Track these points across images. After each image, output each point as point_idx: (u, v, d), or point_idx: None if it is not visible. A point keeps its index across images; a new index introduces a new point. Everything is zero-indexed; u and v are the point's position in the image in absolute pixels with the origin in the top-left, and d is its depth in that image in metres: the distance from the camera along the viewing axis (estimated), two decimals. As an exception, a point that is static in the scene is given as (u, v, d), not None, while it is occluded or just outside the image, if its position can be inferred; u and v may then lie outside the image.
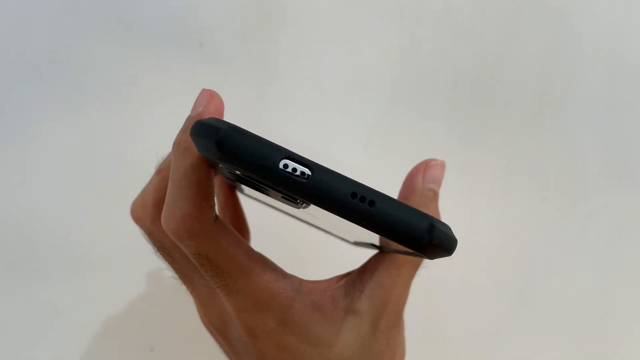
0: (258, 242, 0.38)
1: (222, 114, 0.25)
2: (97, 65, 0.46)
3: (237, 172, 0.22)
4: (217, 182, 0.37)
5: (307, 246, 0.47)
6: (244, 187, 0.30)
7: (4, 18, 0.45)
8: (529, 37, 0.52)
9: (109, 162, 0.47)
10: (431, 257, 0.22)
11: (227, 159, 0.20)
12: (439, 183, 0.30)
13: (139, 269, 0.47)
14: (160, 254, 0.30)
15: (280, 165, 0.20)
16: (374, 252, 0.30)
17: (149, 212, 0.28)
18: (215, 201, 0.24)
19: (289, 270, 0.28)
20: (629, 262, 0.55)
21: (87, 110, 0.46)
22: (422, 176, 0.30)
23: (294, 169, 0.20)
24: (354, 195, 0.21)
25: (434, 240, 0.21)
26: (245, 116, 0.48)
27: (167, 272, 0.48)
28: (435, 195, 0.30)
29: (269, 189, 0.23)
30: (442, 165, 0.31)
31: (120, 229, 0.47)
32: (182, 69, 0.47)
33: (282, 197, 0.23)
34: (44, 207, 0.46)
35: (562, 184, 0.53)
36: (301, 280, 0.27)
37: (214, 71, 0.47)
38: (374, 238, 0.26)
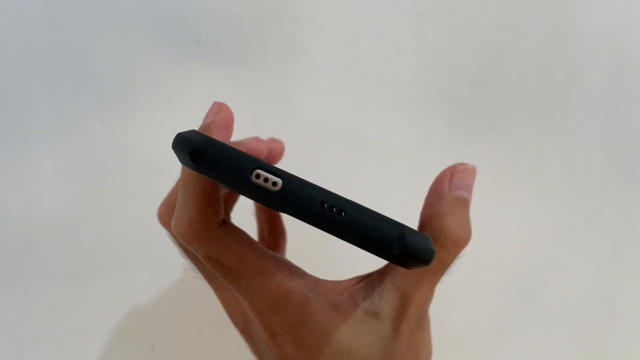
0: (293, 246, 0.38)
1: (230, 125, 0.25)
2: (94, 63, 0.46)
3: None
4: None
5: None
6: None
7: (2, 17, 0.45)
8: (530, 32, 0.52)
9: (107, 161, 0.47)
10: (408, 267, 0.22)
11: (201, 169, 0.21)
12: (468, 189, 0.29)
13: (139, 269, 0.48)
14: (186, 255, 0.30)
15: (252, 176, 0.21)
16: None
17: (172, 216, 0.28)
18: (222, 206, 0.25)
19: (315, 271, 0.28)
20: (632, 258, 0.55)
21: (84, 108, 0.46)
22: (449, 182, 0.29)
23: (266, 179, 0.21)
24: (323, 204, 0.21)
25: (406, 250, 0.21)
26: (242, 114, 0.48)
27: (167, 272, 0.48)
28: (465, 202, 0.28)
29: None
30: (472, 171, 0.29)
31: (121, 230, 0.47)
32: (180, 66, 0.47)
33: None
34: (44, 208, 0.46)
35: (565, 179, 0.53)
36: (318, 280, 0.27)
37: (212, 68, 0.47)
38: None
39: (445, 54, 0.51)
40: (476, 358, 0.53)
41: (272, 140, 0.35)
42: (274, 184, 0.21)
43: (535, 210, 0.52)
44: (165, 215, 0.30)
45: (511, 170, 0.52)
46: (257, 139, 0.32)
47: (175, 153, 0.22)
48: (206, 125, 0.25)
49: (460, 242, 0.27)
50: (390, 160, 0.50)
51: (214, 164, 0.21)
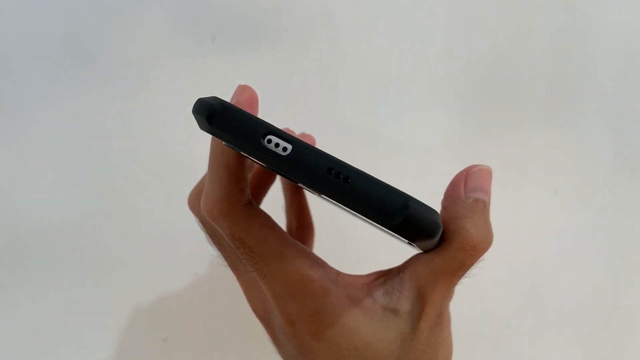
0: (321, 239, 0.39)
1: (253, 104, 0.26)
2: (110, 60, 0.46)
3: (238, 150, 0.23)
4: (283, 181, 0.38)
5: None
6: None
7: (21, 6, 0.45)
8: (541, 30, 0.52)
9: (123, 155, 0.47)
10: (412, 240, 0.22)
11: (215, 132, 0.22)
12: (486, 191, 0.28)
13: (153, 262, 0.48)
14: (212, 242, 0.30)
15: (264, 140, 0.21)
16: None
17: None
18: (248, 186, 0.25)
19: (337, 264, 0.28)
20: (641, 256, 0.55)
21: (100, 103, 0.46)
22: (464, 185, 0.28)
23: (277, 144, 0.22)
24: (330, 170, 0.21)
25: (408, 220, 0.21)
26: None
27: (180, 266, 0.49)
28: (484, 205, 0.27)
29: (284, 175, 0.24)
30: (488, 172, 0.28)
31: (135, 224, 0.48)
32: (195, 62, 0.47)
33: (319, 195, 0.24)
34: (60, 204, 0.47)
35: (575, 176, 0.53)
36: (338, 272, 0.27)
37: (226, 65, 0.48)
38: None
39: (457, 52, 0.51)
40: (484, 353, 0.53)
41: (303, 136, 0.35)
42: (284, 149, 0.21)
43: (544, 207, 0.52)
44: (196, 202, 0.30)
45: (521, 168, 0.52)
46: (286, 130, 0.32)
47: (195, 117, 0.23)
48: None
49: (480, 246, 0.26)
50: (401, 157, 0.50)
51: (228, 126, 0.22)
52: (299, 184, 0.23)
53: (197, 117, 0.23)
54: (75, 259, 0.47)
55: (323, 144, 0.46)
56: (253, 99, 0.25)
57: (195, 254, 0.48)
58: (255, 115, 0.23)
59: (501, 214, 0.51)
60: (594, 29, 0.52)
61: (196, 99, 0.23)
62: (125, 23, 0.46)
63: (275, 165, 0.22)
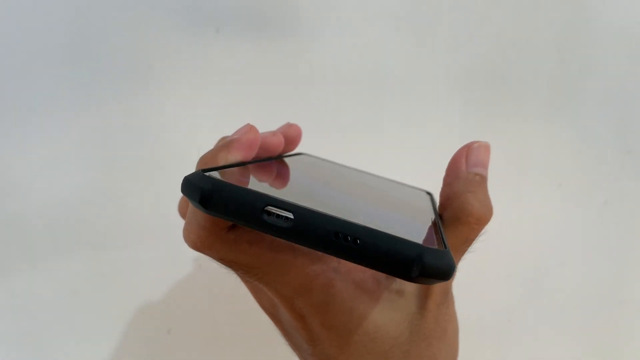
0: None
1: (253, 147, 0.26)
2: (113, 51, 0.46)
3: None
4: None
5: None
6: None
7: (24, 1, 0.45)
8: (546, 24, 0.51)
9: (126, 146, 0.47)
10: (428, 284, 0.22)
11: (213, 214, 0.21)
12: (485, 166, 0.29)
13: (156, 253, 0.48)
14: None
15: (264, 214, 0.21)
16: None
17: None
18: None
19: None
20: (644, 250, 0.55)
21: (103, 95, 0.46)
22: (465, 160, 0.29)
23: (278, 215, 0.21)
24: (337, 235, 0.21)
25: (425, 271, 0.20)
26: (258, 105, 0.48)
27: (184, 257, 0.49)
28: (482, 179, 0.29)
29: None
30: (486, 147, 0.30)
31: (138, 214, 0.48)
32: (198, 55, 0.47)
33: None
34: (63, 196, 0.47)
35: (578, 170, 0.53)
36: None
37: (229, 58, 0.48)
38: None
39: (461, 46, 0.51)
40: (487, 347, 0.53)
41: (289, 126, 0.35)
42: (286, 219, 0.21)
43: (548, 201, 0.52)
44: (185, 208, 0.30)
45: (524, 162, 0.52)
46: (273, 133, 0.32)
47: (186, 196, 0.22)
48: (229, 142, 0.26)
49: (482, 219, 0.27)
50: (403, 151, 0.50)
51: (225, 208, 0.21)
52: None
53: (190, 200, 0.22)
54: (79, 252, 0.47)
55: (326, 137, 0.46)
56: (254, 142, 0.26)
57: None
58: (242, 185, 0.22)
59: (505, 207, 0.51)
60: (599, 23, 0.52)
61: (182, 178, 0.22)
62: (128, 16, 0.46)
63: (280, 236, 0.21)
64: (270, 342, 0.51)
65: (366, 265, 0.21)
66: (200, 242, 0.24)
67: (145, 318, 0.49)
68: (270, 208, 0.21)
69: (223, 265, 0.26)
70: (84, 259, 0.48)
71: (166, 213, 0.47)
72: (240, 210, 0.21)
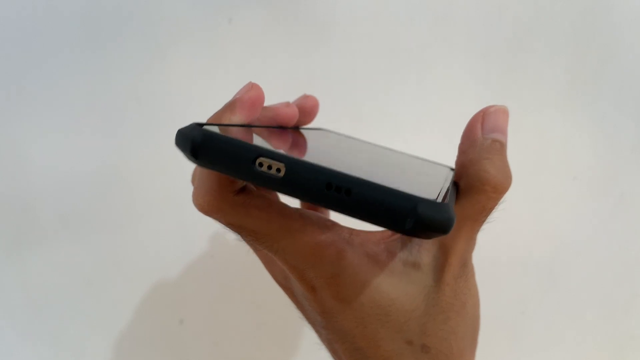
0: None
1: (256, 105, 0.25)
2: (127, 40, 0.46)
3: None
4: None
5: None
6: None
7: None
8: (563, 12, 0.51)
9: (138, 133, 0.47)
10: (426, 238, 0.21)
11: (204, 165, 0.21)
12: (503, 131, 0.27)
13: (169, 243, 0.48)
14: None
15: (255, 165, 0.21)
16: None
17: None
18: None
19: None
20: (661, 243, 0.54)
21: (115, 82, 0.47)
22: (481, 127, 0.27)
23: (269, 166, 0.21)
24: (329, 186, 0.20)
25: (419, 223, 0.20)
26: (271, 94, 0.48)
27: (196, 247, 0.49)
28: (500, 145, 0.27)
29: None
30: (504, 111, 0.28)
31: (151, 203, 0.48)
32: (211, 44, 0.47)
33: None
34: (77, 181, 0.47)
35: (594, 162, 0.52)
36: (351, 231, 0.26)
37: (242, 47, 0.47)
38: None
39: (477, 34, 0.50)
40: (500, 339, 0.53)
41: (305, 97, 0.34)
42: (278, 170, 0.20)
43: (563, 193, 0.52)
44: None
45: (540, 153, 0.51)
46: (287, 104, 0.31)
47: (179, 149, 0.22)
48: (231, 102, 0.25)
49: (500, 187, 0.26)
50: (418, 139, 0.50)
51: (216, 158, 0.21)
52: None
53: (181, 151, 0.22)
54: (93, 243, 0.48)
55: (343, 125, 0.46)
56: (257, 99, 0.25)
57: (212, 236, 0.49)
58: (234, 136, 0.21)
59: (520, 199, 0.50)
60: (618, 11, 0.51)
61: (177, 132, 0.22)
62: (142, 4, 0.46)
63: (272, 187, 0.21)
64: (283, 331, 0.51)
65: (359, 218, 0.20)
66: (208, 205, 0.24)
67: (157, 308, 0.49)
68: (262, 159, 0.21)
69: (232, 232, 0.25)
70: (97, 248, 0.48)
71: (180, 202, 0.47)
72: (231, 161, 0.21)
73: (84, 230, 0.47)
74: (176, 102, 0.47)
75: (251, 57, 0.47)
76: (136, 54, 0.46)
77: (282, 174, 0.20)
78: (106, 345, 0.49)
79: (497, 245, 0.50)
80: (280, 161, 0.20)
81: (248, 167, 0.21)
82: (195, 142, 0.21)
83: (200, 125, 0.22)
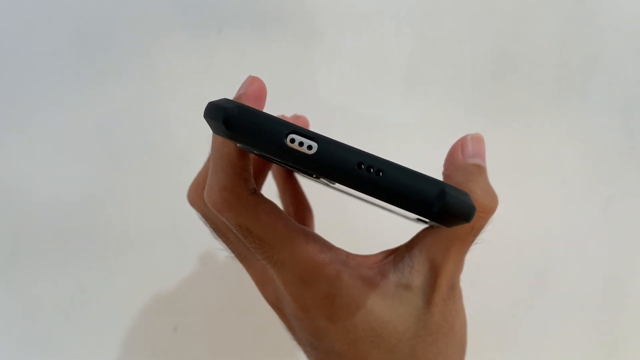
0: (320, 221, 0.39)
1: (261, 97, 0.25)
2: (117, 50, 0.46)
3: (254, 151, 0.23)
4: (274, 166, 0.37)
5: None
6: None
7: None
8: (549, 17, 0.51)
9: (129, 146, 0.47)
10: (448, 225, 0.21)
11: (235, 136, 0.21)
12: (482, 156, 0.29)
13: (162, 251, 0.48)
14: (216, 235, 0.30)
15: (287, 140, 0.21)
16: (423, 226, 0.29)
17: (201, 195, 0.29)
18: (252, 175, 0.25)
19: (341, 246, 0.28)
20: (649, 245, 0.54)
21: (106, 95, 0.47)
22: (462, 153, 0.29)
23: (301, 143, 0.21)
24: (360, 165, 0.20)
25: (446, 207, 0.20)
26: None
27: (190, 255, 0.49)
28: (481, 169, 0.28)
29: (292, 168, 0.23)
30: (479, 139, 0.29)
31: (144, 213, 0.48)
32: (200, 54, 0.47)
33: (314, 176, 0.23)
34: (68, 193, 0.47)
35: (582, 166, 0.53)
36: (348, 254, 0.27)
37: (232, 57, 0.48)
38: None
39: (465, 40, 0.50)
40: (491, 342, 0.53)
41: (295, 117, 0.35)
42: (309, 147, 0.20)
43: (551, 197, 0.52)
44: (195, 195, 0.30)
45: (528, 157, 0.52)
46: (282, 117, 0.32)
47: (208, 122, 0.22)
48: (237, 96, 0.25)
49: (487, 207, 0.26)
50: (408, 146, 0.50)
51: (248, 130, 0.20)
52: (327, 181, 0.22)
53: (212, 122, 0.22)
54: (85, 251, 0.48)
55: (332, 135, 0.46)
56: (261, 92, 0.25)
57: (204, 244, 0.49)
58: (267, 112, 0.21)
59: (509, 203, 0.51)
60: (604, 16, 0.52)
61: (207, 103, 0.22)
62: (132, 15, 0.46)
63: (302, 164, 0.21)
64: (275, 340, 0.51)
65: (387, 200, 0.21)
66: (222, 201, 0.24)
67: (151, 316, 0.49)
68: (294, 135, 0.21)
69: (239, 234, 0.25)
70: (90, 257, 0.48)
71: (171, 212, 0.47)
72: (264, 133, 0.20)
73: (77, 240, 0.47)
74: (167, 115, 0.47)
75: (241, 67, 0.48)
76: (125, 66, 0.47)
77: (313, 151, 0.20)
78: (100, 354, 0.49)
79: (487, 249, 0.50)
80: (313, 139, 0.21)
81: (280, 142, 0.20)
82: (230, 113, 0.21)
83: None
